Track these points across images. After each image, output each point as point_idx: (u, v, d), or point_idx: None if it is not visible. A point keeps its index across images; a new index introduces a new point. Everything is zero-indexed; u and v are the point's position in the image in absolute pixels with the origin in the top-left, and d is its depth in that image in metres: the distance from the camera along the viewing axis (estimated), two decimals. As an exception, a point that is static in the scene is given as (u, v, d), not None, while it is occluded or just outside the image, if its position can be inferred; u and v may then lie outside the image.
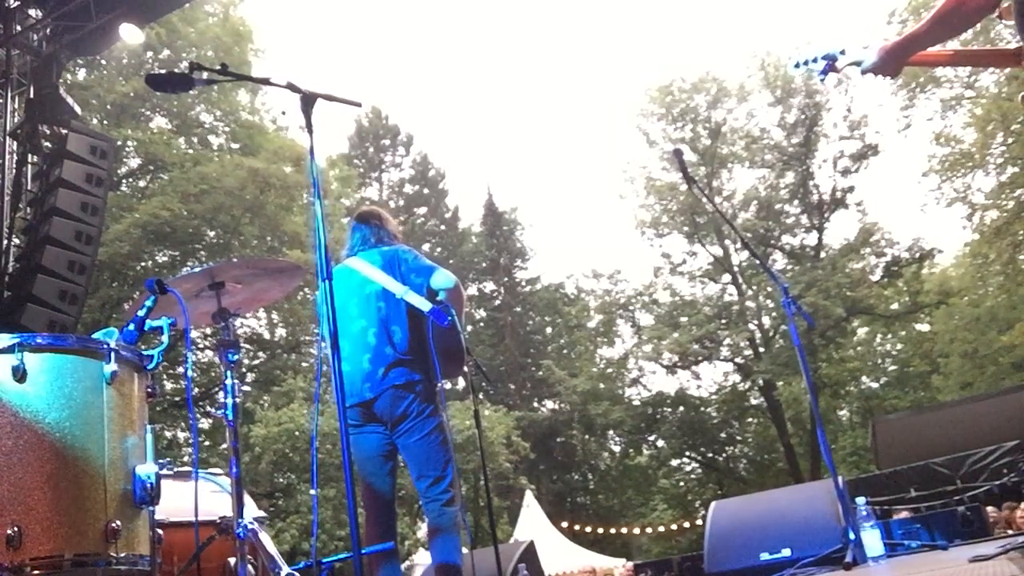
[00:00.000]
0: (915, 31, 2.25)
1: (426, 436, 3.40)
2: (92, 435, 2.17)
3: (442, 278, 3.53)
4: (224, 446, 3.04)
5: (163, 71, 2.48)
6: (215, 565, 2.80)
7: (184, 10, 15.94)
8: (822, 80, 2.95)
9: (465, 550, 4.07)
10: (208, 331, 16.85)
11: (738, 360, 27.14)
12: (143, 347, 2.46)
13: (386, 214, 3.96)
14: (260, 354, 22.34)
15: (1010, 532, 6.50)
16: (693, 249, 27.73)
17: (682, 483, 31.37)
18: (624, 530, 24.97)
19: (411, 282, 3.54)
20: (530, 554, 9.15)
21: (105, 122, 18.59)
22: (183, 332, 2.55)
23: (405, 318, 3.51)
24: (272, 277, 2.88)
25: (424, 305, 3.41)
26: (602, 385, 28.85)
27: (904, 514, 7.37)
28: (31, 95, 9.24)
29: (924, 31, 2.16)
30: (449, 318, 3.38)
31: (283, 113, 23.02)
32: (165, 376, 18.60)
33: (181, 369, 18.30)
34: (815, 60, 2.94)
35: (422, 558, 16.05)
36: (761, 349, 25.98)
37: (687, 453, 30.11)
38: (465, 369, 3.83)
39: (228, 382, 2.66)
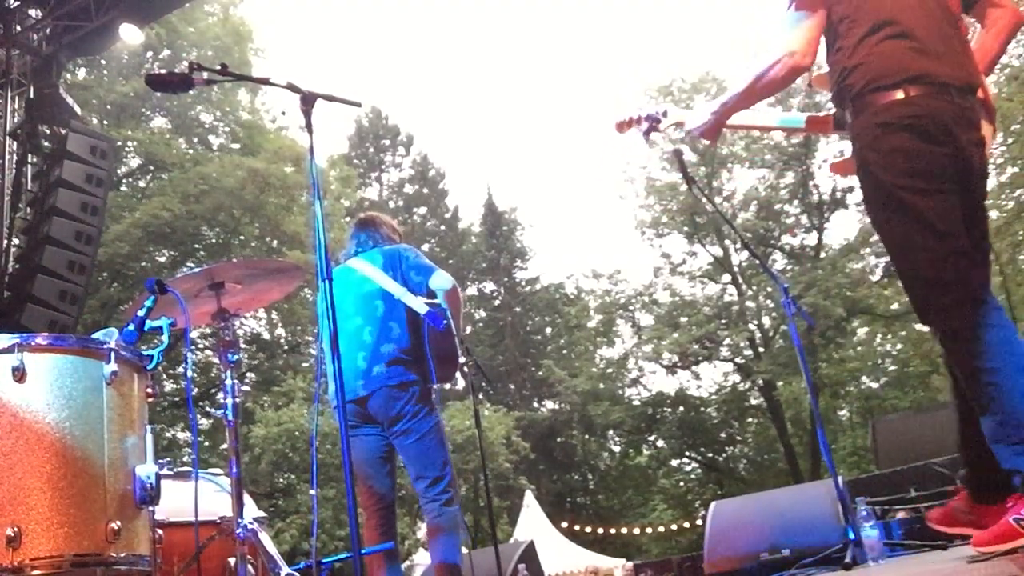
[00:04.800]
0: (729, 99, 2.46)
1: (423, 437, 3.40)
2: (92, 435, 2.17)
3: (440, 280, 3.52)
4: (224, 446, 3.02)
5: (163, 71, 2.47)
6: (215, 565, 2.80)
7: (184, 10, 15.94)
8: (646, 140, 2.98)
9: (465, 550, 4.06)
10: (208, 331, 16.86)
11: (738, 360, 27.12)
12: (143, 347, 2.46)
13: (384, 217, 3.97)
14: (260, 354, 22.34)
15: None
16: (693, 249, 27.71)
17: (682, 483, 31.35)
18: (624, 530, 24.95)
19: (411, 280, 3.53)
20: (530, 554, 9.16)
21: (105, 122, 18.59)
22: (183, 332, 2.55)
23: (404, 318, 3.50)
24: (272, 278, 2.87)
25: (421, 308, 3.39)
26: (602, 385, 28.80)
27: (904, 514, 7.37)
28: (31, 95, 9.25)
29: (736, 99, 2.40)
30: (445, 322, 3.37)
31: (283, 113, 23.03)
32: (165, 376, 18.59)
33: (181, 369, 18.31)
34: (638, 120, 3.00)
35: (422, 558, 16.05)
36: (761, 349, 25.96)
37: (687, 453, 30.09)
38: (464, 370, 3.83)
39: (228, 382, 2.65)
